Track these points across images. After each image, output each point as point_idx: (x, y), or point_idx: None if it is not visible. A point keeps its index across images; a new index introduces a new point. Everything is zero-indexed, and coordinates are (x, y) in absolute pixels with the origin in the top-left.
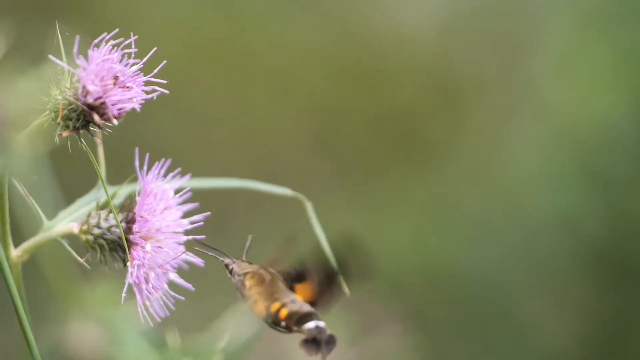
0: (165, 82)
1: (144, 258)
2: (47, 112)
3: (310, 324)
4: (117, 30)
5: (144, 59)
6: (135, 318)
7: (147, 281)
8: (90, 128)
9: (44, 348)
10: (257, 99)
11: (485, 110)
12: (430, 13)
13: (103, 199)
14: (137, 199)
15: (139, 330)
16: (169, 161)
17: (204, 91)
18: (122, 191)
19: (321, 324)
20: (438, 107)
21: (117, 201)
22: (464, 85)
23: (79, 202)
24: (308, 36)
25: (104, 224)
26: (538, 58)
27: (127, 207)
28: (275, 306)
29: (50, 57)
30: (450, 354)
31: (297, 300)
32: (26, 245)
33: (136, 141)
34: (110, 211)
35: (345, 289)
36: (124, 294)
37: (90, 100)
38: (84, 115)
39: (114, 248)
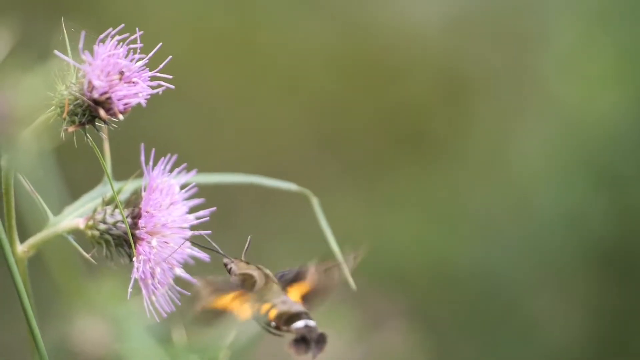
0: (170, 77)
1: (149, 253)
2: (53, 107)
3: (299, 323)
4: (122, 25)
5: (150, 54)
6: (141, 313)
7: (153, 276)
8: (96, 123)
9: (50, 344)
10: (263, 97)
11: (492, 107)
12: (438, 9)
13: (109, 194)
14: (143, 194)
15: (145, 326)
16: (174, 157)
17: (210, 88)
18: (128, 186)
19: (311, 323)
20: (445, 104)
21: (123, 196)
22: (471, 82)
23: (84, 198)
24: (315, 33)
25: (109, 220)
26: (545, 55)
27: (133, 202)
28: (265, 307)
29: (56, 52)
30: (456, 350)
31: (288, 301)
32: (32, 240)
33: (142, 137)
34: (116, 206)
35: (352, 282)
36: (130, 290)
37: (96, 95)
38: (89, 111)
39: (120, 243)
